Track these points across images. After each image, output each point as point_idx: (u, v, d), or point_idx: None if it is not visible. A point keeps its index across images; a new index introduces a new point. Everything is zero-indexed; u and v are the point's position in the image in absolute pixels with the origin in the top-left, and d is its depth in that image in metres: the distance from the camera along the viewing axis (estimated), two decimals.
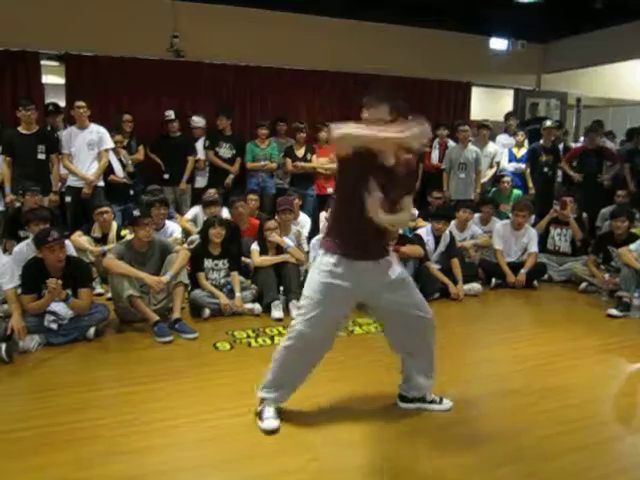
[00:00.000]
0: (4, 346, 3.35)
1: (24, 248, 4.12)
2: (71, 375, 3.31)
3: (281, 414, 2.67)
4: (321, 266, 2.50)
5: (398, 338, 2.73)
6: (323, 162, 6.58)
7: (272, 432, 2.57)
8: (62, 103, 6.50)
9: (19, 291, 3.71)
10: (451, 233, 5.22)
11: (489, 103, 10.02)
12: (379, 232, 2.46)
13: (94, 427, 2.62)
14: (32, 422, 2.67)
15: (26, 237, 4.61)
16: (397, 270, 2.58)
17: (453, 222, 5.43)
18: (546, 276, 5.52)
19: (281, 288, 4.55)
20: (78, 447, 2.45)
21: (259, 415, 2.64)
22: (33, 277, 3.69)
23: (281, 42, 7.29)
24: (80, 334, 3.71)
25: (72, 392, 3.00)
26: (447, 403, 2.88)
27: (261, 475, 2.30)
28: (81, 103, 5.42)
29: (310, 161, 6.54)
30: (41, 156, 5.30)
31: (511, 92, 9.55)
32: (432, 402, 2.86)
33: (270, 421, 2.60)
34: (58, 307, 3.72)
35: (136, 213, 4.16)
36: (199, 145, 6.64)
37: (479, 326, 4.44)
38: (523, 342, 3.94)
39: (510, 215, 5.66)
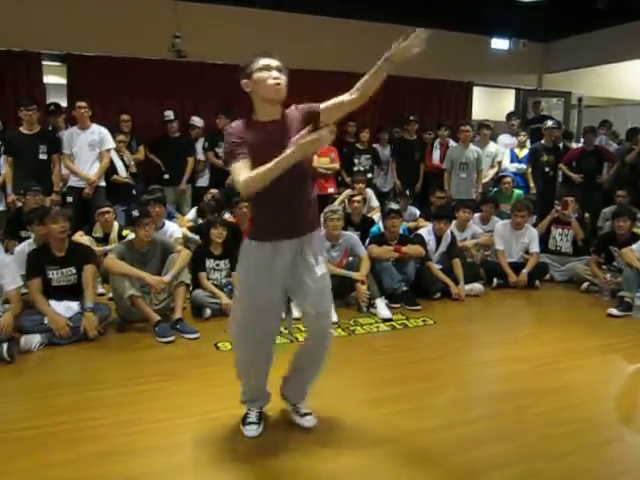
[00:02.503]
0: (5, 345, 3.36)
1: (26, 248, 4.14)
2: (72, 375, 3.32)
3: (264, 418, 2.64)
4: None
5: None
6: (324, 162, 6.57)
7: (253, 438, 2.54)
8: (64, 103, 6.51)
9: (23, 290, 3.76)
10: (452, 233, 5.22)
11: (490, 103, 10.02)
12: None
13: (95, 427, 2.62)
14: (33, 422, 2.67)
15: (27, 237, 4.62)
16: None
17: (453, 222, 5.43)
18: (548, 276, 5.51)
19: None
20: (79, 447, 2.45)
21: (242, 420, 2.61)
22: (38, 261, 3.81)
23: (282, 42, 7.24)
24: (82, 334, 3.72)
25: (73, 392, 3.00)
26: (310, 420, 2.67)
27: (265, 476, 2.30)
28: (82, 103, 5.42)
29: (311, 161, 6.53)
30: (43, 156, 5.31)
31: (512, 92, 9.54)
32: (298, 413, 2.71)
33: (251, 427, 2.56)
34: (58, 307, 3.73)
35: (135, 213, 4.17)
36: (199, 146, 6.64)
37: (480, 326, 4.44)
38: (525, 342, 3.94)
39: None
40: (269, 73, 2.24)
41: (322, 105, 2.39)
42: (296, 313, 4.26)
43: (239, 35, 7.09)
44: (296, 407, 2.69)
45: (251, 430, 2.55)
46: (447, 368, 3.45)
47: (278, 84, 2.24)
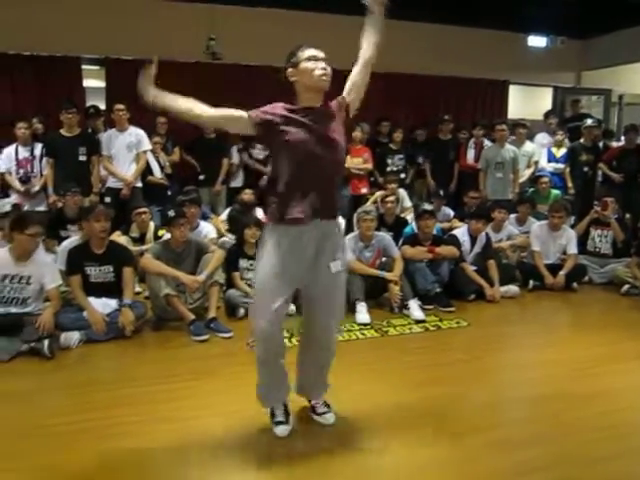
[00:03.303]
0: (46, 342, 3.46)
1: (72, 245, 4.30)
2: (109, 372, 3.40)
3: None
4: None
5: None
6: (357, 162, 6.56)
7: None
8: (102, 106, 6.66)
9: (62, 288, 3.88)
10: (487, 234, 5.14)
11: (527, 101, 9.83)
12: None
13: (130, 423, 2.67)
14: (68, 417, 2.74)
15: (67, 237, 4.75)
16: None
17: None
18: (586, 278, 5.38)
19: None
20: (112, 443, 2.50)
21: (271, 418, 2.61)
22: (78, 258, 3.93)
23: (316, 43, 7.30)
24: (119, 331, 3.80)
25: (109, 389, 3.07)
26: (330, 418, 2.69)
27: (295, 475, 2.30)
28: (120, 106, 5.55)
29: None
30: (82, 158, 5.44)
31: (550, 90, 9.35)
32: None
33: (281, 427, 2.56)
34: (96, 304, 3.83)
35: (171, 214, 4.24)
36: (233, 149, 6.71)
37: (515, 329, 4.36)
38: (561, 346, 3.85)
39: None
40: (316, 64, 2.31)
41: (345, 93, 2.50)
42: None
43: (273, 36, 7.13)
44: (313, 405, 2.71)
45: (282, 430, 2.56)
46: (481, 370, 3.40)
47: (325, 74, 2.31)
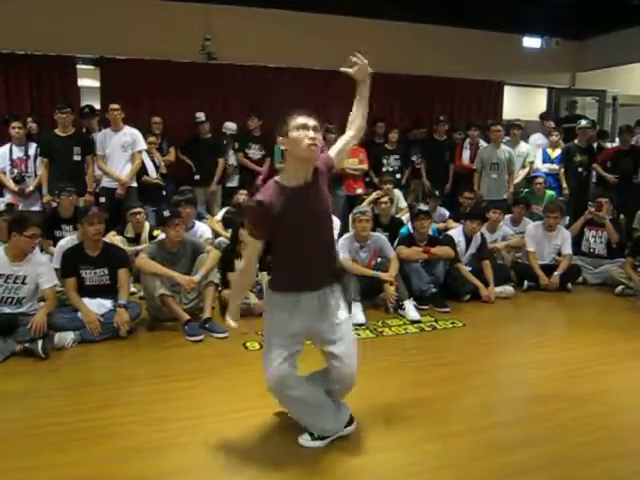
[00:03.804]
0: (40, 343, 3.45)
1: (69, 243, 4.30)
2: (104, 372, 3.38)
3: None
4: None
5: None
6: (352, 163, 6.56)
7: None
8: (97, 106, 6.64)
9: (58, 288, 3.87)
10: (482, 234, 5.15)
11: (521, 102, 9.85)
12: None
13: (125, 424, 2.66)
14: (64, 418, 2.73)
15: (62, 237, 4.74)
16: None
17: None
18: (581, 279, 5.40)
19: None
20: (110, 443, 2.50)
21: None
22: (72, 260, 3.92)
23: (312, 43, 7.30)
24: (114, 332, 3.79)
25: (104, 389, 3.06)
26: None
27: (290, 475, 2.30)
28: (115, 106, 5.53)
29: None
30: (77, 158, 5.42)
31: (544, 91, 9.38)
32: None
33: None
34: (91, 304, 3.82)
35: (166, 214, 4.23)
36: (229, 149, 6.71)
37: (511, 329, 4.37)
38: (556, 346, 3.87)
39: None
40: (305, 132, 2.23)
41: (332, 152, 2.48)
42: None
43: (269, 37, 7.14)
44: None
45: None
46: (476, 371, 3.40)
47: (314, 145, 2.23)
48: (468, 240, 5.08)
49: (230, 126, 6.82)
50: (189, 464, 2.37)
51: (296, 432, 2.57)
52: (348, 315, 2.52)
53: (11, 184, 5.39)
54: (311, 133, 2.24)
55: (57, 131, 5.42)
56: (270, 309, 2.46)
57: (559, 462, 2.39)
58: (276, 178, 2.35)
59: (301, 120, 2.25)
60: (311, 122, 2.26)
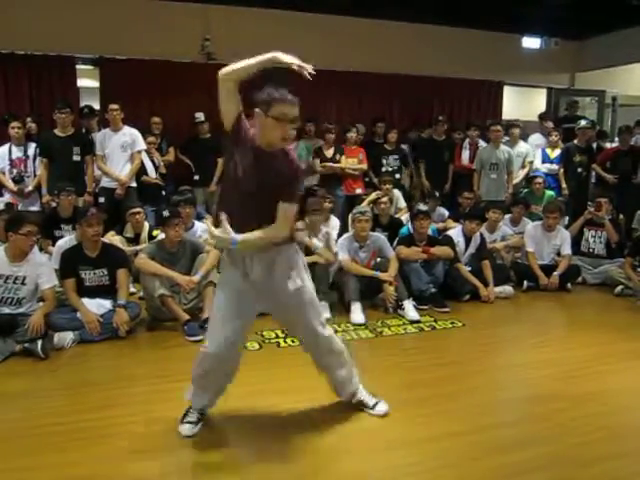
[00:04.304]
0: (40, 343, 3.44)
1: (67, 244, 4.30)
2: (104, 372, 3.38)
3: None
4: None
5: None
6: (352, 163, 6.57)
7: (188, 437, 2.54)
8: (96, 106, 6.64)
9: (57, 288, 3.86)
10: (482, 234, 5.15)
11: (521, 102, 9.86)
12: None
13: (126, 424, 2.66)
14: (65, 417, 2.73)
15: (61, 237, 4.73)
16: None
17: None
18: (580, 279, 5.41)
19: None
20: (110, 443, 2.50)
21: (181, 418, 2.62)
22: (71, 261, 3.91)
23: (312, 43, 7.29)
24: (113, 332, 3.79)
25: (105, 389, 3.06)
26: (380, 409, 2.76)
27: (290, 475, 2.30)
28: (115, 106, 5.53)
29: (339, 162, 6.53)
30: (76, 158, 5.42)
31: (544, 91, 9.39)
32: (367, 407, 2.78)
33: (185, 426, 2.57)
34: (91, 305, 3.82)
35: (166, 214, 4.23)
36: None
37: (510, 329, 4.37)
38: (556, 346, 3.87)
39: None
40: (282, 127, 2.26)
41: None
42: (325, 314, 4.29)
43: (268, 37, 7.12)
44: (360, 402, 2.77)
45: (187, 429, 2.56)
46: (476, 371, 3.40)
47: (285, 140, 2.29)
48: (467, 240, 5.08)
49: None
50: (190, 464, 2.37)
51: (296, 431, 2.57)
52: (300, 284, 2.51)
53: (10, 184, 5.39)
54: (287, 128, 2.26)
55: (56, 131, 5.42)
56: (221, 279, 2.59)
57: (559, 462, 2.40)
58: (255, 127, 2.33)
59: (283, 108, 2.26)
60: (292, 113, 2.27)
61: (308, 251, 4.67)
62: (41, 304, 3.72)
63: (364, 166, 6.66)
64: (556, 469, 2.35)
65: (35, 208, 5.46)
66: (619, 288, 5.09)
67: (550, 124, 7.38)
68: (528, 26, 8.26)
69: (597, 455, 2.45)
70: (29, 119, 6.01)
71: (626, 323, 4.35)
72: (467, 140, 7.05)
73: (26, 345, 3.46)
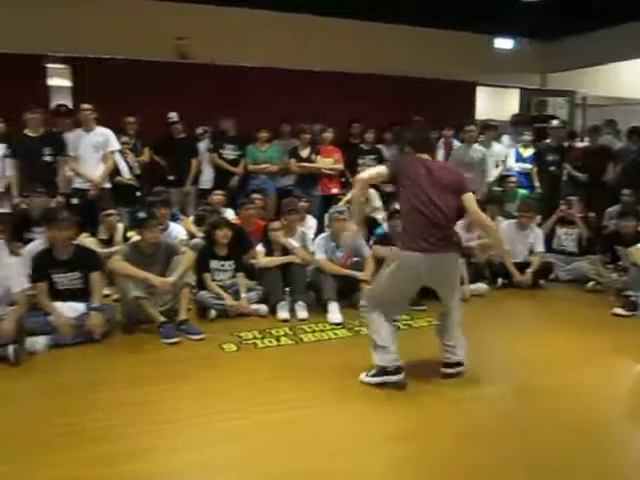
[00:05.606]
0: (12, 348, 3.37)
1: (37, 247, 4.19)
2: (79, 376, 3.32)
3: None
4: None
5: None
6: (327, 163, 6.57)
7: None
8: (69, 105, 6.52)
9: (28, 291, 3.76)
10: (457, 234, 5.19)
11: (494, 102, 9.99)
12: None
13: (103, 428, 2.63)
14: (39, 423, 2.69)
15: (31, 239, 4.63)
16: None
17: (459, 222, 5.40)
18: (553, 275, 5.50)
19: (287, 289, 4.55)
20: (88, 447, 2.47)
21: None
22: (43, 265, 3.83)
23: (286, 43, 7.30)
24: (87, 335, 3.73)
25: (80, 393, 3.02)
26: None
27: (271, 476, 2.30)
28: (87, 106, 5.45)
29: (315, 162, 6.53)
30: (48, 158, 5.32)
31: (517, 91, 9.52)
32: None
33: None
34: (64, 308, 3.75)
35: (142, 215, 4.18)
36: (202, 147, 6.65)
37: (485, 326, 4.41)
38: (529, 342, 3.93)
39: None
40: None
41: None
42: (302, 314, 4.30)
43: (242, 37, 7.12)
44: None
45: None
46: None
47: None
48: None
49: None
50: (167, 467, 2.35)
51: (278, 431, 2.57)
52: None
53: None
54: None
55: (27, 131, 5.32)
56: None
57: (533, 454, 2.44)
58: None
59: None
60: None
61: (285, 251, 4.67)
62: (9, 309, 3.64)
63: (340, 166, 6.66)
64: (531, 460, 2.39)
65: (5, 210, 5.35)
66: (590, 284, 5.20)
67: (522, 129, 7.40)
68: (501, 27, 8.38)
69: (570, 447, 2.50)
70: None
71: (598, 318, 4.43)
72: (441, 140, 7.10)
73: None
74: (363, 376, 3.14)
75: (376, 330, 3.09)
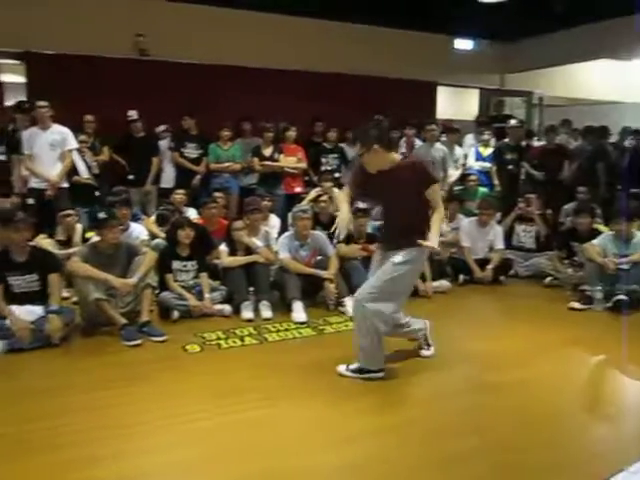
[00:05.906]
0: None
1: None
2: (39, 381, 3.23)
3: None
4: None
5: None
6: (291, 161, 6.56)
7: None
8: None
9: None
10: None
11: (455, 102, 10.16)
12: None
13: (67, 433, 2.57)
14: (5, 428, 2.61)
15: None
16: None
17: None
18: (512, 271, 5.63)
19: (251, 289, 4.52)
20: (53, 453, 2.41)
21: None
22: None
23: (247, 41, 7.25)
24: (46, 339, 3.63)
25: (43, 398, 2.94)
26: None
27: (233, 477, 2.29)
28: (43, 103, 5.30)
29: (278, 160, 6.51)
30: (1, 157, 5.17)
31: (476, 91, 9.70)
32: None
33: None
34: (20, 311, 3.64)
35: (102, 215, 4.08)
36: (163, 145, 6.56)
37: (447, 322, 4.46)
38: (490, 337, 4.01)
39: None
40: None
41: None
42: (267, 314, 4.28)
43: (202, 34, 7.04)
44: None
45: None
46: (416, 364, 3.47)
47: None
48: None
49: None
50: (132, 471, 2.31)
51: (241, 432, 2.55)
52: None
53: None
54: None
55: None
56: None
57: (489, 450, 2.49)
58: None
59: None
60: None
61: (248, 250, 4.64)
62: None
63: (303, 165, 6.67)
64: (493, 457, 2.44)
65: None
66: (548, 279, 5.35)
67: (487, 135, 7.53)
68: (461, 29, 8.52)
69: (527, 442, 2.55)
70: None
71: (555, 313, 4.55)
72: (403, 139, 7.18)
73: None
74: (343, 369, 3.21)
75: (377, 334, 3.11)
